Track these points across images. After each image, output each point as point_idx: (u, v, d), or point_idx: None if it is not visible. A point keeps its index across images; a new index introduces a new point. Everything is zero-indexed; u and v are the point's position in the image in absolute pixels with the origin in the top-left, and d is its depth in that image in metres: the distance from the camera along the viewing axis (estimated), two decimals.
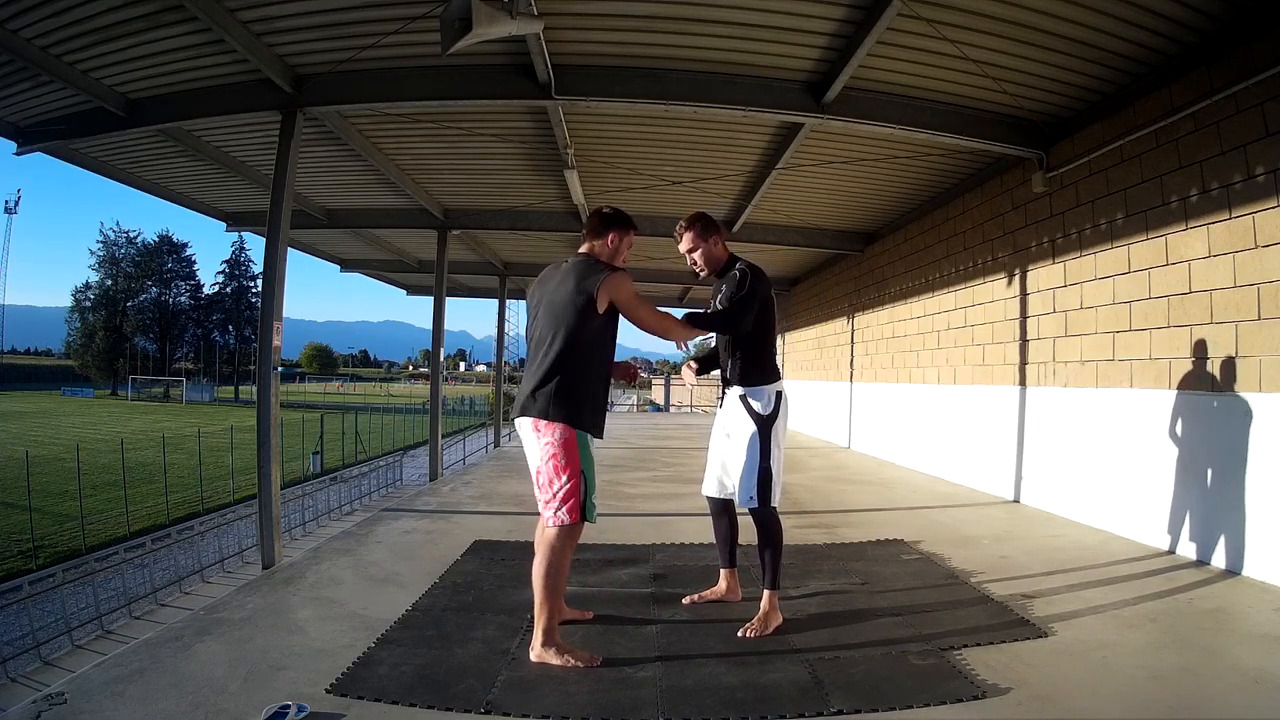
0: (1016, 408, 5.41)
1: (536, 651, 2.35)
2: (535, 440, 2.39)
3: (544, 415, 2.35)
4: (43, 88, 4.41)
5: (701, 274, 2.89)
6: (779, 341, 13.93)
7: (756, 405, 2.73)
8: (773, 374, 2.79)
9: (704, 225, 2.83)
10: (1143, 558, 3.70)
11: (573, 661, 2.32)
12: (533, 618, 2.43)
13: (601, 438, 2.45)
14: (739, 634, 2.60)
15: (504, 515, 4.68)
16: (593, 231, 2.58)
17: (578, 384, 2.37)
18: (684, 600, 2.95)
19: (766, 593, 2.70)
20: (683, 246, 2.87)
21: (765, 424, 2.71)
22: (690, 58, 4.13)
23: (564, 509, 2.34)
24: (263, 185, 6.21)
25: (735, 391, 2.77)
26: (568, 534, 2.36)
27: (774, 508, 2.71)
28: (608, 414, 2.56)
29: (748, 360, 2.77)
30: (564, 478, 2.34)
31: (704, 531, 4.11)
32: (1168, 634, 2.63)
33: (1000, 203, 5.75)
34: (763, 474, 2.67)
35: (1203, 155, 3.70)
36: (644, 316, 2.50)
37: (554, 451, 2.34)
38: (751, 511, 2.71)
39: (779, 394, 2.76)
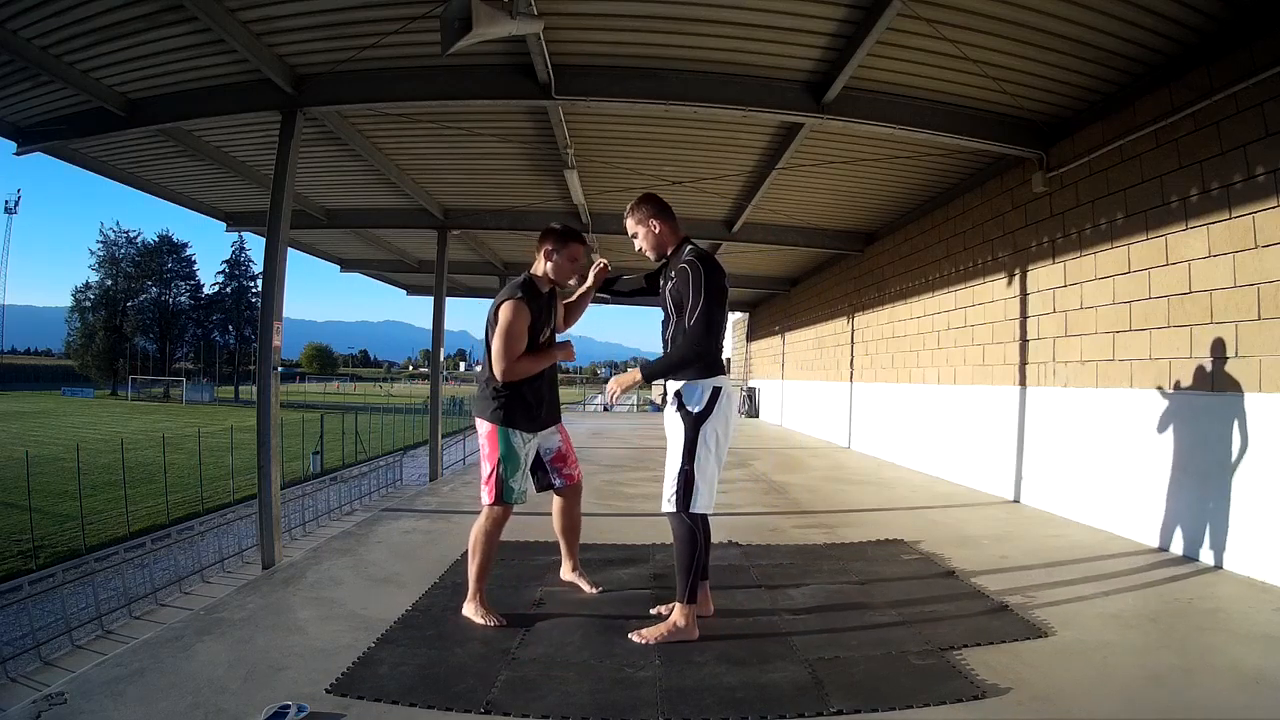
0: (1016, 408, 5.41)
1: (465, 607, 2.77)
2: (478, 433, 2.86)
3: (477, 415, 2.82)
4: (43, 88, 4.41)
5: (653, 259, 2.77)
6: (779, 341, 13.93)
7: (689, 401, 2.54)
8: (712, 369, 2.55)
9: (646, 208, 2.68)
10: (1143, 558, 3.70)
11: (490, 621, 2.69)
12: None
13: (531, 431, 2.80)
14: (629, 635, 2.53)
15: None
16: (537, 248, 2.85)
17: (498, 390, 2.74)
18: (651, 610, 2.80)
19: (677, 605, 2.56)
20: (628, 229, 2.76)
21: (695, 422, 2.51)
22: (690, 58, 4.13)
23: (485, 490, 2.76)
24: (263, 185, 6.21)
25: (672, 386, 2.58)
26: (491, 513, 2.74)
27: (697, 515, 2.51)
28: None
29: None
30: (486, 465, 2.77)
31: None
32: (1168, 634, 2.64)
33: (1000, 203, 5.75)
34: (683, 476, 2.50)
35: (1203, 155, 3.70)
36: (495, 344, 2.69)
37: (481, 443, 2.80)
38: (669, 516, 2.55)
39: (716, 390, 2.53)
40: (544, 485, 2.99)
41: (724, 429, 2.57)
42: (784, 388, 13.56)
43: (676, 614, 2.56)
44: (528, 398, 2.76)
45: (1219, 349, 3.57)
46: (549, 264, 2.81)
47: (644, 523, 4.60)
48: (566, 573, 3.18)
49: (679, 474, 2.52)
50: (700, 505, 2.52)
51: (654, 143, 5.58)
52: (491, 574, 2.86)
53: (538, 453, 2.92)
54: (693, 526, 2.53)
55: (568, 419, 3.31)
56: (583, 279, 3.03)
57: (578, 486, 3.06)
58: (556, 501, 3.06)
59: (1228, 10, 3.37)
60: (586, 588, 3.08)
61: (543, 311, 2.79)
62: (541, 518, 3.51)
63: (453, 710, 2.06)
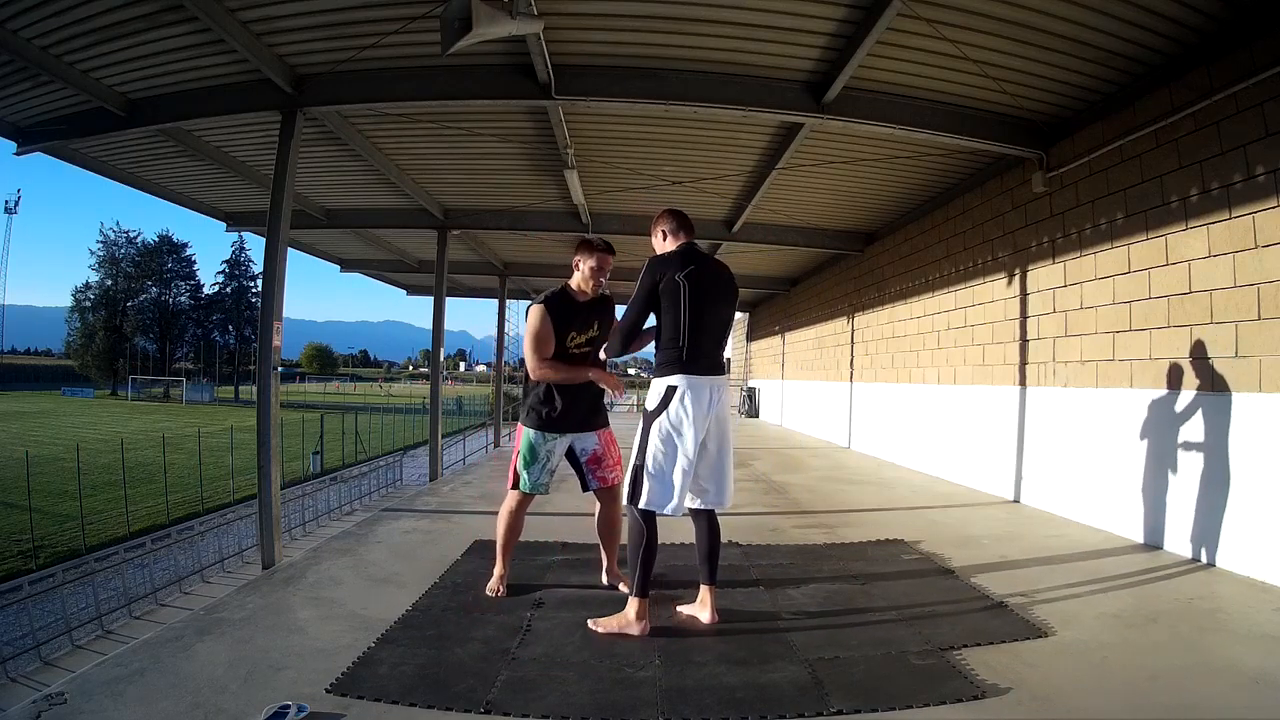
0: (1016, 408, 5.41)
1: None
2: None
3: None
4: (43, 88, 4.41)
5: None
6: (779, 341, 13.93)
7: (647, 399, 2.67)
8: (669, 367, 2.59)
9: (656, 225, 2.81)
10: (1143, 558, 3.70)
11: (494, 592, 3.07)
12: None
13: (553, 432, 3.00)
14: (587, 622, 2.65)
15: None
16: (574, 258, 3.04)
17: (528, 395, 3.10)
18: (678, 609, 2.85)
19: (631, 598, 2.61)
20: None
21: (647, 419, 2.62)
22: (690, 58, 4.13)
23: (509, 475, 3.09)
24: (263, 185, 6.21)
25: None
26: (509, 495, 3.09)
27: (648, 512, 2.57)
28: (610, 412, 3.08)
29: (655, 351, 2.68)
30: (513, 455, 3.10)
31: None
32: (1168, 634, 2.64)
33: (1000, 203, 5.75)
34: (633, 471, 2.61)
35: (1203, 155, 3.70)
36: (525, 346, 2.95)
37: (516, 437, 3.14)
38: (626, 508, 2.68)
39: (670, 389, 2.57)
40: (583, 486, 3.14)
41: (680, 427, 2.55)
42: (784, 388, 13.56)
43: (628, 606, 2.61)
44: (554, 404, 2.98)
45: (1219, 349, 3.57)
46: (577, 272, 3.01)
47: None
48: (607, 575, 3.24)
49: (631, 469, 2.64)
50: (648, 501, 2.57)
51: (654, 143, 5.58)
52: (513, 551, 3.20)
53: (575, 453, 3.08)
54: (641, 522, 2.59)
55: None
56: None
57: (613, 491, 3.10)
58: (598, 504, 3.18)
59: (1228, 10, 3.37)
60: (624, 589, 3.08)
61: (574, 318, 2.96)
62: (541, 518, 3.51)
63: (453, 710, 2.06)
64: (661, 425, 2.57)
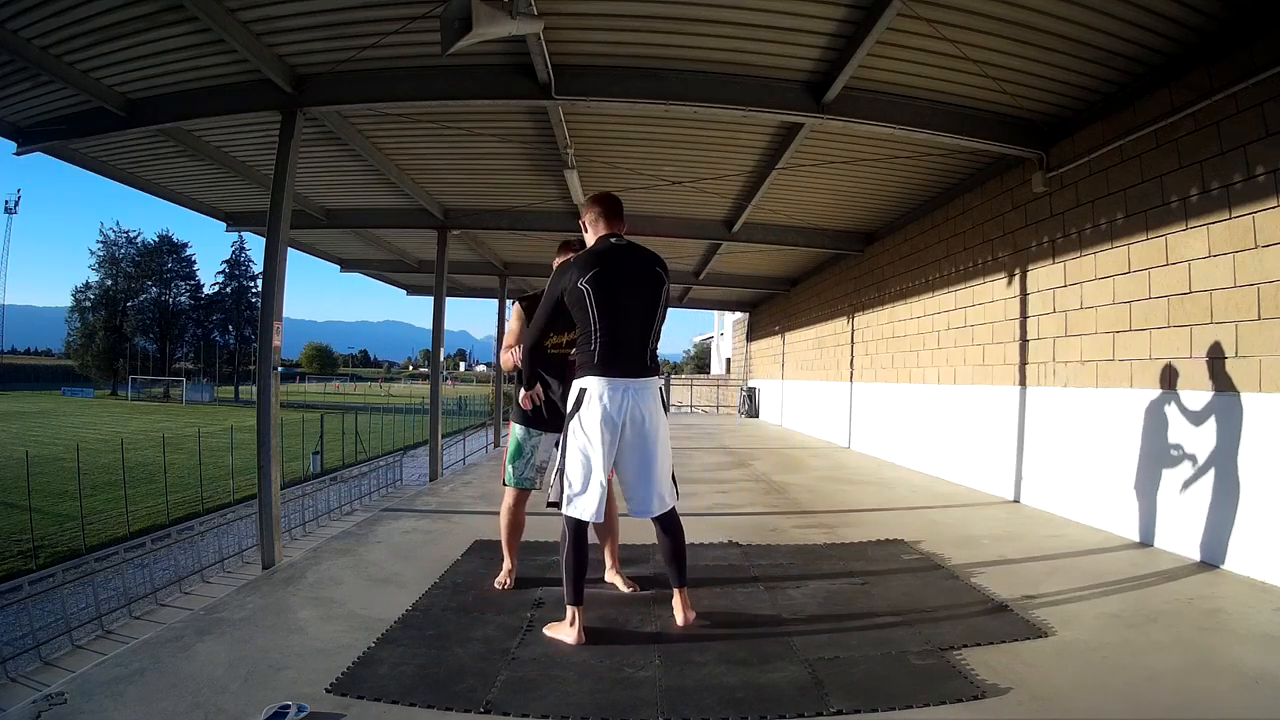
0: (1016, 408, 5.41)
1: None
2: None
3: None
4: (43, 88, 4.40)
5: None
6: (779, 341, 13.93)
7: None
8: (583, 370, 2.53)
9: (584, 211, 2.74)
10: (1143, 557, 3.70)
11: (500, 585, 3.16)
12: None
13: (536, 429, 3.09)
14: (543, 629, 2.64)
15: None
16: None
17: (517, 393, 3.13)
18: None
19: (567, 605, 2.54)
20: None
21: (565, 423, 2.58)
22: (690, 58, 4.13)
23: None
24: (263, 185, 6.21)
25: None
26: (506, 494, 3.18)
27: (569, 518, 2.53)
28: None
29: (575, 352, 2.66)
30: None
31: (703, 532, 4.13)
32: (1168, 634, 2.63)
33: (1000, 203, 5.75)
34: (557, 475, 2.62)
35: (1203, 155, 3.70)
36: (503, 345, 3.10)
37: None
38: None
39: (581, 391, 2.52)
40: None
41: (589, 431, 2.49)
42: (784, 388, 13.56)
43: (568, 613, 2.55)
44: (535, 402, 3.06)
45: (1219, 349, 3.57)
46: None
47: (644, 523, 4.59)
48: (607, 574, 3.22)
49: (555, 473, 2.65)
50: (568, 507, 2.53)
51: (654, 143, 5.58)
52: (493, 578, 3.20)
53: None
54: (568, 530, 2.55)
55: None
56: None
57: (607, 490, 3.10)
58: None
59: (1228, 10, 3.37)
60: (623, 588, 3.11)
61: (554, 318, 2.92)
62: (541, 518, 3.51)
63: (453, 710, 2.06)
64: (574, 429, 2.52)
